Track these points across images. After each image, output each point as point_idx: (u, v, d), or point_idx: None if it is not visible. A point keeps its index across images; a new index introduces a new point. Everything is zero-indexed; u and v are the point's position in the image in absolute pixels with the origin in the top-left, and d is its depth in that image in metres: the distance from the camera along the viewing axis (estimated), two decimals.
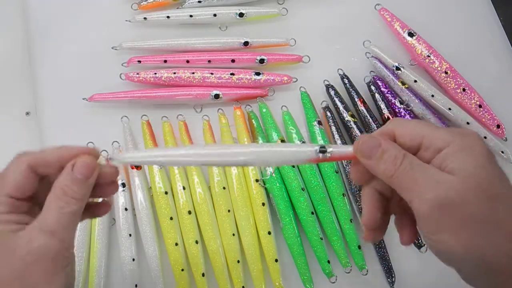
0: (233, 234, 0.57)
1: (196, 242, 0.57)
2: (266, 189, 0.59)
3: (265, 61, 0.64)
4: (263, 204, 0.58)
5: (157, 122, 0.62)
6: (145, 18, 0.67)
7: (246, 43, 0.65)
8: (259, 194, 0.58)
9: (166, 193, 0.57)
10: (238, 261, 0.57)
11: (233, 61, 0.64)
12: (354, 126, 0.61)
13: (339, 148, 0.39)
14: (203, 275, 0.56)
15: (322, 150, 0.38)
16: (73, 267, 0.38)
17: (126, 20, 0.67)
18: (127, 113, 0.63)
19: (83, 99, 0.63)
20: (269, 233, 0.57)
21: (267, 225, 0.57)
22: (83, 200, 0.37)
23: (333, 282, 0.57)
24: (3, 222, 0.36)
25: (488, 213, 0.34)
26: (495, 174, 0.35)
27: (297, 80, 0.64)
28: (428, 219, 0.35)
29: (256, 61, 0.64)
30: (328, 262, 0.57)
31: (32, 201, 0.38)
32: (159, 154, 0.40)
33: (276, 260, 0.57)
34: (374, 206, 0.39)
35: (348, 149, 0.38)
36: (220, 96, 0.62)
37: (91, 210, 0.41)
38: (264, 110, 0.62)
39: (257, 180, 0.58)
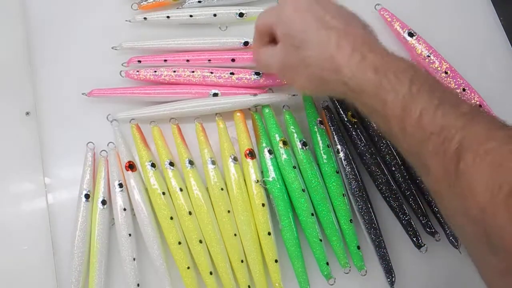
0: (235, 234, 0.57)
1: (200, 241, 0.56)
2: (266, 190, 0.58)
3: None
4: (263, 205, 0.58)
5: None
6: (145, 18, 0.67)
7: (246, 43, 0.65)
8: (259, 195, 0.58)
9: (163, 193, 0.57)
10: (242, 261, 0.57)
11: (233, 60, 0.64)
12: (354, 127, 0.61)
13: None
14: (211, 273, 0.56)
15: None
16: None
17: (126, 20, 0.67)
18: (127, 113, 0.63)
19: (83, 94, 0.63)
20: (269, 233, 0.57)
21: (267, 225, 0.57)
22: None
23: (332, 284, 0.57)
24: None
25: (297, 58, 0.49)
26: (298, 27, 0.48)
27: None
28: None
29: None
30: (327, 264, 0.57)
31: None
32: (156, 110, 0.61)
33: (276, 261, 0.57)
34: None
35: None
36: (218, 95, 0.62)
37: None
38: (266, 110, 0.62)
39: (257, 181, 0.58)
